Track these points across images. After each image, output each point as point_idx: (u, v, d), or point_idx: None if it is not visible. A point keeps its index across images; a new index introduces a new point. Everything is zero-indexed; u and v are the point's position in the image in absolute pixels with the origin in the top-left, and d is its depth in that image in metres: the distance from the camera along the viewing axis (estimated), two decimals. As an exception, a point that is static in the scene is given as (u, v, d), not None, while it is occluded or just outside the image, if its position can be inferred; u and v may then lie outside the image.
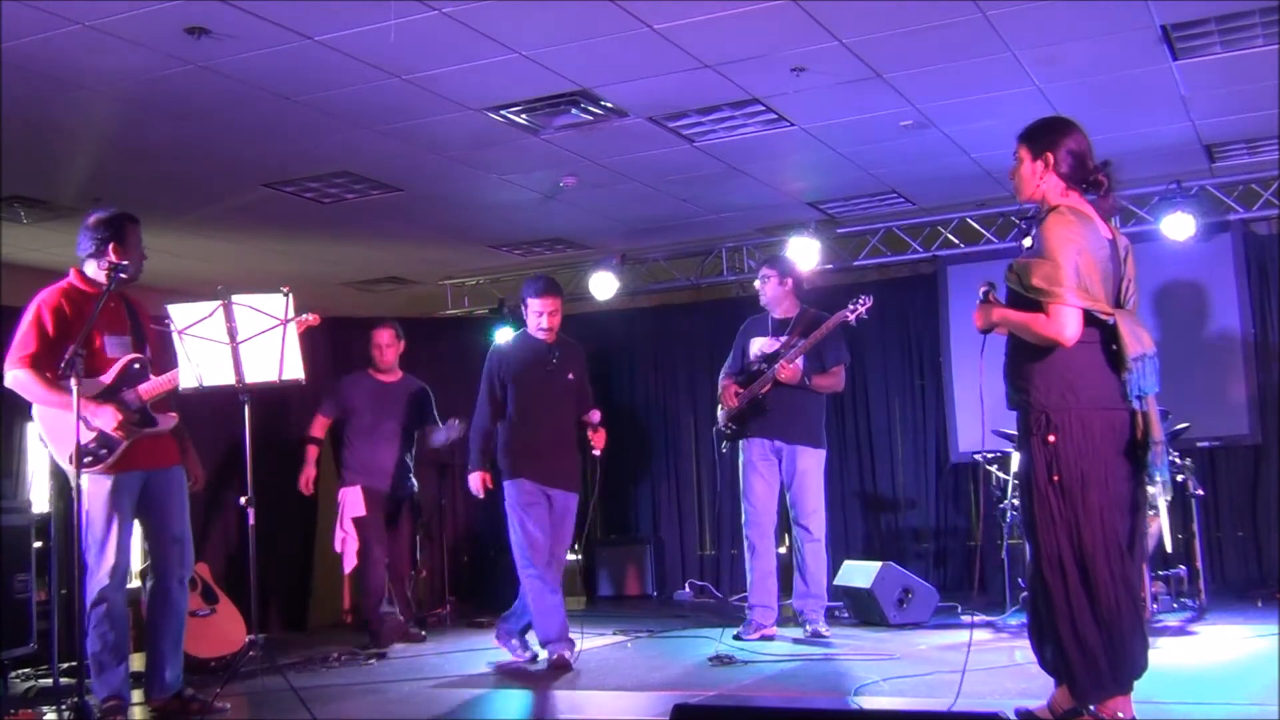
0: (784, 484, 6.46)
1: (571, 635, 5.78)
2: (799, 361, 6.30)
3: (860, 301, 6.29)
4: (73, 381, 4.36)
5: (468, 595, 9.06)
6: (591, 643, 6.58)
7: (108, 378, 4.75)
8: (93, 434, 4.62)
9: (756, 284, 6.72)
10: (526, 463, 5.79)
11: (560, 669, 5.62)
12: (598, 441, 5.83)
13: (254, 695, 5.13)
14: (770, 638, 6.31)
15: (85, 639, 4.72)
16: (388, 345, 7.17)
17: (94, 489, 4.63)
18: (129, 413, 4.70)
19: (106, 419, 4.58)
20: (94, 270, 4.82)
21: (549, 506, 5.80)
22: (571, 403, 5.94)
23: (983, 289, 3.87)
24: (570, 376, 5.92)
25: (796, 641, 6.24)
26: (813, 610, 6.39)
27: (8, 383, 4.71)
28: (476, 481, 5.86)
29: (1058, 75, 5.88)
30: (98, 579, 4.67)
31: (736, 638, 6.28)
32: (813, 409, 6.44)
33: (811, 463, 6.42)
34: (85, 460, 4.57)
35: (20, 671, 5.93)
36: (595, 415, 5.92)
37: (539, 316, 5.90)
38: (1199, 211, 7.55)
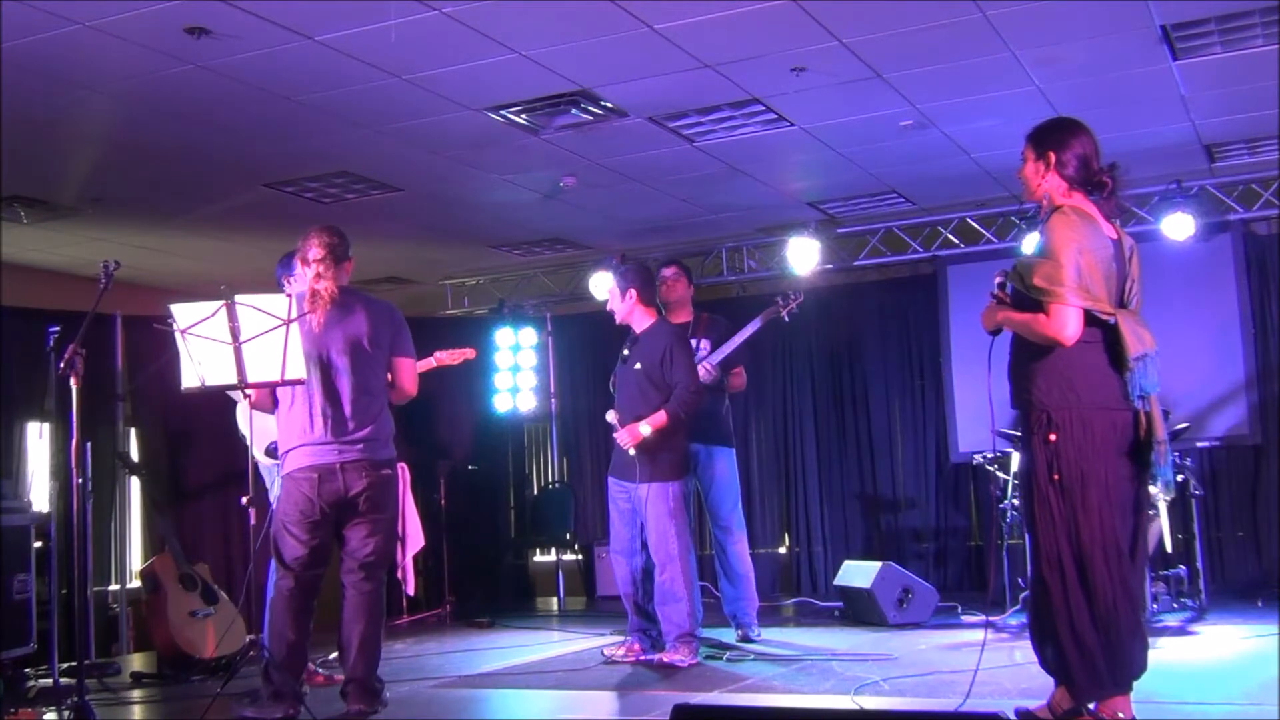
0: (700, 488, 6.37)
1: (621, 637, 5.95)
2: (711, 366, 6.31)
3: (793, 297, 6.52)
4: (72, 380, 4.38)
5: (468, 595, 9.06)
6: (591, 643, 6.59)
7: None
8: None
9: (663, 286, 6.45)
10: (613, 460, 5.90)
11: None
12: (623, 441, 5.70)
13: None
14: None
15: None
16: None
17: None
18: None
19: None
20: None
21: (631, 500, 5.80)
22: (635, 392, 5.76)
23: (998, 279, 3.86)
24: (636, 367, 5.78)
25: (729, 647, 6.08)
26: (744, 613, 6.34)
27: None
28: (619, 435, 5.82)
29: (1058, 75, 5.88)
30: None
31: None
32: (722, 410, 6.43)
33: (725, 463, 6.39)
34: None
35: (20, 671, 5.93)
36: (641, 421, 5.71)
37: None
38: (1199, 211, 7.55)
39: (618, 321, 5.95)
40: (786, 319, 6.51)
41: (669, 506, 5.63)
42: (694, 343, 6.39)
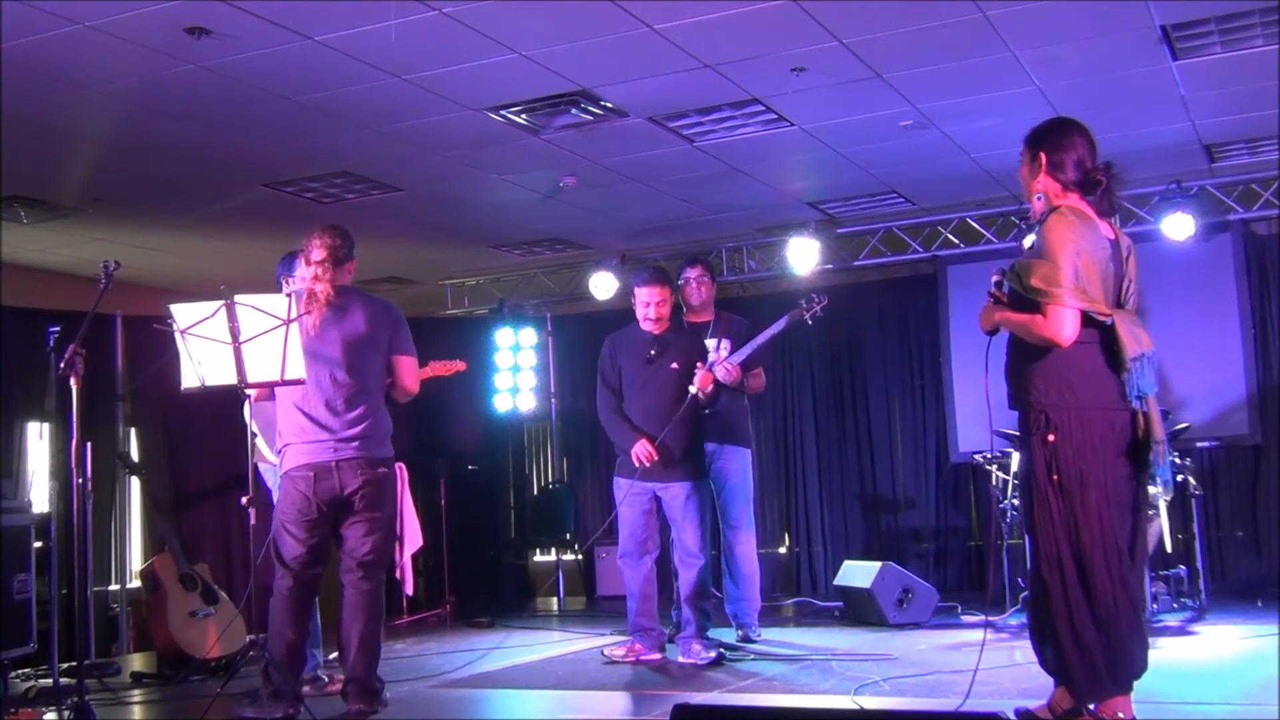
0: (714, 486, 6.35)
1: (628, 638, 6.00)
2: (733, 366, 6.29)
3: (817, 299, 6.36)
4: (72, 380, 4.39)
5: (468, 595, 9.06)
6: (591, 643, 6.59)
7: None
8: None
9: (687, 286, 6.47)
10: (623, 461, 5.88)
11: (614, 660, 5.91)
12: (699, 381, 5.75)
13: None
14: None
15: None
16: None
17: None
18: None
19: None
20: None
21: (656, 501, 5.85)
22: (673, 393, 5.81)
23: (995, 278, 3.86)
24: (674, 366, 5.84)
25: (729, 647, 6.05)
26: (745, 614, 6.36)
27: None
28: (643, 450, 5.73)
29: (1058, 75, 5.88)
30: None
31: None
32: (740, 410, 6.45)
33: (741, 463, 6.41)
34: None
35: (20, 671, 5.93)
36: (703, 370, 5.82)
37: (643, 307, 5.94)
38: (1199, 211, 7.55)
39: (659, 330, 5.90)
40: (810, 322, 6.48)
41: (702, 503, 5.86)
42: (714, 342, 6.39)
